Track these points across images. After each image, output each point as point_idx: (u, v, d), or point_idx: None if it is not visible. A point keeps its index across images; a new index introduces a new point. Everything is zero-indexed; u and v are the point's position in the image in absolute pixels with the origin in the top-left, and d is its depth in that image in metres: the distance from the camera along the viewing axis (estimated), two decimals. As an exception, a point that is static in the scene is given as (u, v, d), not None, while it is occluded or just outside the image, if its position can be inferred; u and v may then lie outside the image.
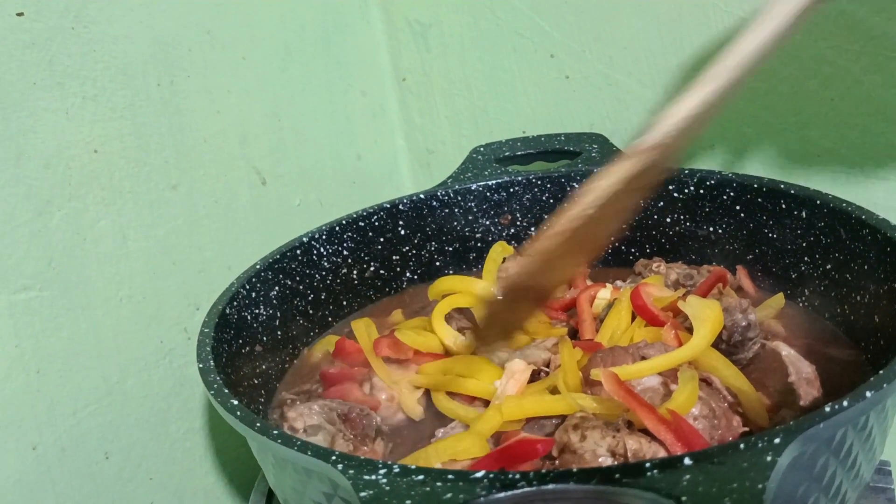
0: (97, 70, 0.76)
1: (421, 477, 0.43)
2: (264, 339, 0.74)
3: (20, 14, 0.69)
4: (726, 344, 0.63)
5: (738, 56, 0.55)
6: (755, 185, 0.79)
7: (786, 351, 0.57)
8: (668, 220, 0.86)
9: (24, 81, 0.70)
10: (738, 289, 0.78)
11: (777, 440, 0.42)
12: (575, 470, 0.42)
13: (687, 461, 0.41)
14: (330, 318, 0.84)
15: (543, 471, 0.42)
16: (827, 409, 0.44)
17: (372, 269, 0.88)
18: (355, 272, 0.86)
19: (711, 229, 0.83)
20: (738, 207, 0.81)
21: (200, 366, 0.60)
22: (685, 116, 0.54)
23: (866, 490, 0.59)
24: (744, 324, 0.62)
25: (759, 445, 0.41)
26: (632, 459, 0.50)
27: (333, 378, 0.67)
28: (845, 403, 0.44)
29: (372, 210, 0.88)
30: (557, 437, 0.54)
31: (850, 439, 0.48)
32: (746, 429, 0.57)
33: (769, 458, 0.40)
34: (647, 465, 0.41)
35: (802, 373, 0.58)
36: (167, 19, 0.82)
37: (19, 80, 0.69)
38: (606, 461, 0.51)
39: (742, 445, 0.41)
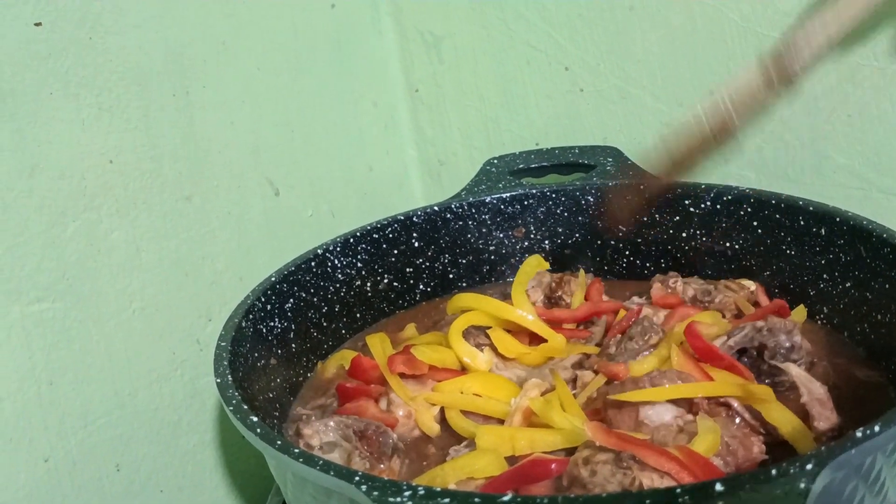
0: (112, 80, 0.76)
1: (447, 500, 0.42)
2: (279, 352, 0.73)
3: (38, 24, 0.69)
4: (768, 364, 0.62)
5: None
6: (773, 201, 0.78)
7: (795, 371, 0.56)
8: (685, 234, 0.86)
9: (40, 91, 0.69)
10: (755, 304, 0.78)
11: (809, 466, 0.41)
12: (605, 495, 0.41)
13: (719, 487, 0.40)
14: (344, 331, 0.84)
15: (573, 496, 0.41)
16: (858, 434, 0.43)
17: (386, 281, 0.87)
18: (369, 284, 0.86)
19: (728, 245, 0.83)
20: (755, 223, 0.80)
21: (218, 381, 0.59)
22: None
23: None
24: (787, 345, 0.61)
25: (792, 472, 0.41)
26: None
27: (350, 393, 0.67)
28: (877, 429, 0.44)
29: (386, 222, 0.87)
30: (566, 471, 0.53)
31: (878, 464, 0.47)
32: (766, 457, 0.56)
33: (803, 486, 0.40)
34: (678, 490, 0.40)
35: (815, 394, 0.58)
36: (182, 30, 0.82)
37: (35, 90, 0.69)
38: None
39: (774, 472, 0.41)
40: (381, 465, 0.61)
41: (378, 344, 0.73)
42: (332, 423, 0.61)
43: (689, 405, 0.59)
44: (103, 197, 0.75)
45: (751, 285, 0.79)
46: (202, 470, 0.86)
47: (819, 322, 0.75)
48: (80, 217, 0.73)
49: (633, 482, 0.51)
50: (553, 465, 0.55)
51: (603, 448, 0.54)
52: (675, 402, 0.59)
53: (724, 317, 0.73)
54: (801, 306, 0.75)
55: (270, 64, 0.93)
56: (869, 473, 0.47)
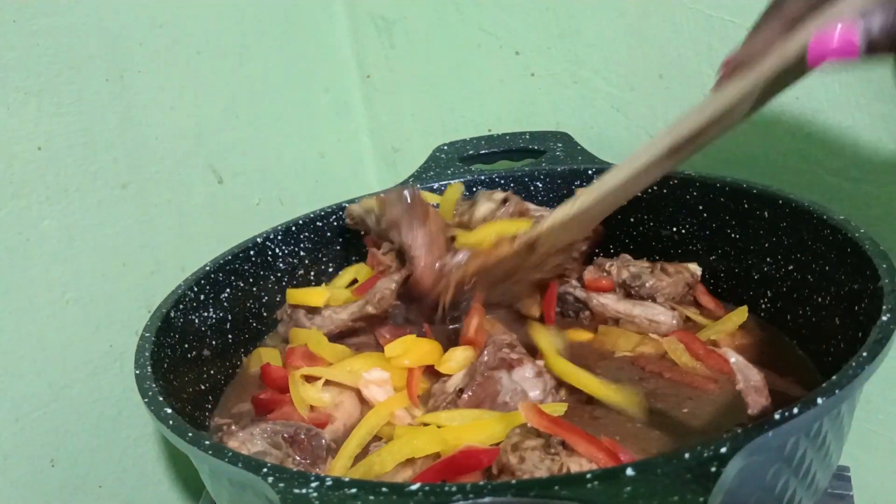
0: (42, 64, 0.73)
1: (354, 490, 0.41)
2: (213, 342, 0.72)
3: (-45, 5, 0.66)
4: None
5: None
6: (718, 185, 0.77)
7: (734, 358, 0.55)
8: (632, 219, 0.85)
9: (-39, 75, 0.67)
10: (697, 303, 0.77)
11: (723, 450, 0.40)
12: (514, 482, 0.40)
13: (629, 472, 0.39)
14: (285, 321, 0.82)
15: (481, 483, 0.40)
16: (776, 416, 0.43)
17: (331, 270, 0.86)
18: (312, 273, 0.84)
19: (675, 229, 0.82)
20: (700, 207, 0.79)
21: (137, 372, 0.58)
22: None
23: (824, 497, 0.58)
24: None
25: (705, 455, 0.40)
26: None
27: (267, 405, 0.65)
28: (795, 411, 0.43)
29: (330, 209, 0.85)
30: (496, 459, 0.52)
31: (802, 447, 0.46)
32: None
33: (713, 469, 0.39)
34: (588, 475, 0.39)
35: (751, 380, 0.57)
36: (117, 12, 0.79)
37: (-44, 73, 0.67)
38: None
39: (687, 455, 0.40)
40: (318, 469, 0.59)
41: (278, 355, 0.73)
42: (257, 431, 0.58)
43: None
44: (33, 184, 0.73)
45: (696, 270, 0.78)
46: (143, 463, 0.84)
47: (763, 306, 0.75)
48: (7, 205, 0.71)
49: (560, 468, 0.50)
50: (483, 456, 0.53)
51: (531, 434, 0.53)
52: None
53: (655, 301, 0.75)
54: (744, 308, 0.73)
55: (213, 47, 0.90)
56: (792, 456, 0.46)
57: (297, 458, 0.57)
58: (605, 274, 0.77)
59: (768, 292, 0.74)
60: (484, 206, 0.80)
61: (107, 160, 0.79)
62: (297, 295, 0.76)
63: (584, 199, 0.65)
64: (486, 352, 0.63)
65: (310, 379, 0.65)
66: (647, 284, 0.75)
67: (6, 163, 0.71)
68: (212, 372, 0.71)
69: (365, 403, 0.66)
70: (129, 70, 0.81)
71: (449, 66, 1.05)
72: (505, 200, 0.79)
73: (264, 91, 0.98)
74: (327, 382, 0.65)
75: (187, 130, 0.88)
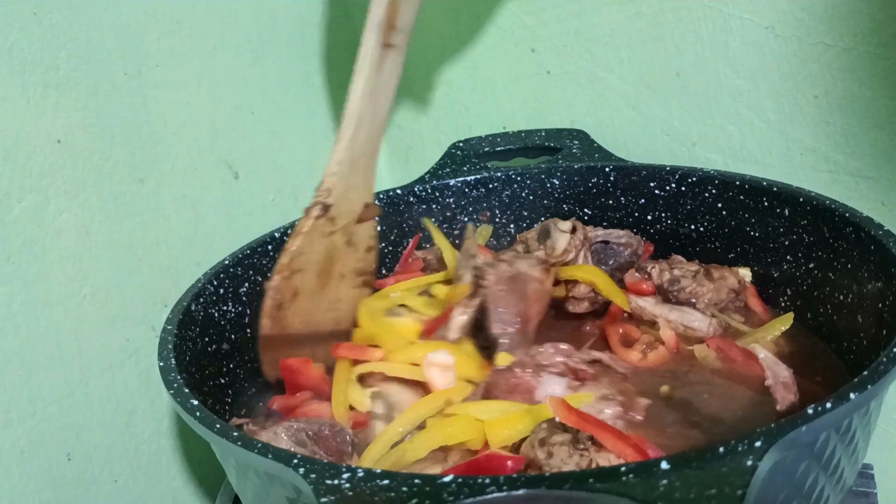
0: (60, 58, 0.73)
1: (386, 482, 0.41)
2: (232, 336, 0.71)
3: (-24, -2, 0.66)
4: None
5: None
6: (737, 183, 0.77)
7: (762, 354, 0.55)
8: (650, 217, 0.85)
9: (-19, 68, 0.67)
10: (746, 308, 0.76)
11: (758, 444, 0.40)
12: (548, 475, 0.40)
13: (664, 465, 0.39)
14: (302, 317, 0.82)
15: (515, 475, 0.40)
16: (809, 411, 0.42)
17: (346, 266, 0.85)
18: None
19: (693, 227, 0.82)
20: (720, 205, 0.79)
21: (161, 364, 0.57)
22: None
23: (848, 495, 0.58)
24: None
25: (740, 449, 0.40)
26: None
27: (287, 410, 0.64)
28: (828, 405, 0.43)
29: (347, 205, 0.85)
30: (523, 451, 0.52)
31: (832, 443, 0.46)
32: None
33: (749, 463, 0.39)
34: (623, 469, 0.39)
35: (780, 377, 0.57)
36: (135, 7, 0.79)
37: (-24, 66, 0.67)
38: None
39: (722, 449, 0.40)
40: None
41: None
42: (281, 430, 0.58)
43: (573, 373, 0.62)
44: (51, 178, 0.73)
45: (745, 275, 0.76)
46: (158, 459, 0.84)
47: (782, 304, 0.74)
48: (25, 198, 0.71)
49: (589, 464, 0.50)
50: (509, 462, 0.53)
51: (559, 429, 0.53)
52: (560, 372, 0.62)
53: (695, 306, 0.73)
54: (790, 314, 0.72)
55: (229, 43, 0.90)
56: (822, 452, 0.46)
57: (322, 453, 0.56)
58: (646, 276, 0.76)
59: (788, 290, 0.74)
60: (562, 239, 0.76)
61: (124, 155, 0.79)
62: (384, 326, 0.71)
63: (343, 133, 0.67)
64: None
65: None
66: (686, 290, 0.73)
67: (26, 156, 0.70)
68: (231, 366, 0.70)
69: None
70: (147, 65, 0.81)
71: (462, 64, 1.05)
72: (574, 230, 0.77)
73: (278, 87, 0.98)
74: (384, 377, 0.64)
75: (203, 126, 0.87)
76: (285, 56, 0.98)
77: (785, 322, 0.71)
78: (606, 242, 0.80)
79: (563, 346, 0.64)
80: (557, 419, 0.52)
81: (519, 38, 0.99)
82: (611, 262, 0.80)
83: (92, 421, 0.77)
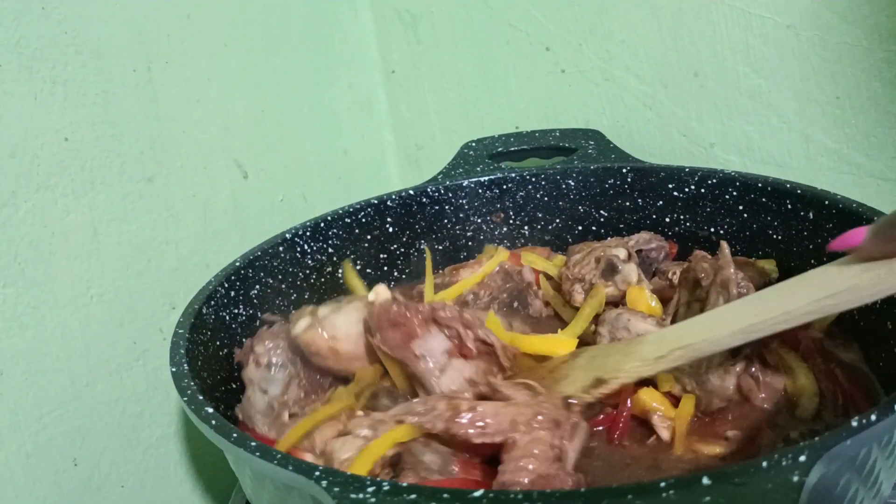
0: (68, 53, 0.71)
1: (413, 496, 0.39)
2: (243, 340, 0.70)
3: (-17, -9, 0.64)
4: None
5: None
6: (759, 185, 0.76)
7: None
8: (668, 220, 0.83)
9: (-12, 63, 0.65)
10: None
11: (802, 458, 0.38)
12: (583, 490, 0.38)
13: (705, 481, 0.37)
14: (313, 319, 0.80)
15: (548, 490, 0.38)
16: (854, 423, 0.41)
17: (358, 267, 0.84)
18: (340, 271, 0.82)
19: (713, 230, 0.80)
20: (741, 207, 0.78)
21: (174, 370, 0.56)
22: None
23: (882, 506, 0.56)
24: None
25: (784, 464, 0.38)
26: None
27: None
28: (873, 418, 0.41)
29: (359, 206, 0.84)
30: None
31: (873, 456, 0.45)
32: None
33: (796, 479, 0.37)
34: (663, 484, 0.37)
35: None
36: (144, 2, 0.78)
37: (-17, 61, 0.65)
38: None
39: (765, 464, 0.38)
40: (313, 396, 0.62)
41: None
42: (282, 345, 0.63)
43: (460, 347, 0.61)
44: (58, 176, 0.71)
45: (770, 271, 0.73)
46: (166, 464, 0.82)
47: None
48: (32, 197, 0.69)
49: None
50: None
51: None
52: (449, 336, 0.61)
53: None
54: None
55: (239, 40, 0.89)
56: (863, 466, 0.44)
57: (304, 381, 0.63)
58: (666, 281, 0.74)
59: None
60: (632, 270, 0.71)
61: (133, 153, 0.77)
62: (535, 344, 0.64)
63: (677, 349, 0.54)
64: None
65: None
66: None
67: (32, 154, 0.69)
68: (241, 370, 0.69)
69: None
70: (156, 61, 0.79)
71: (475, 62, 1.03)
72: (629, 255, 0.73)
73: (288, 85, 0.96)
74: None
75: (213, 124, 0.86)
76: (295, 54, 0.97)
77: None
78: (639, 251, 0.78)
79: (472, 320, 0.61)
80: None
81: (533, 37, 0.97)
82: (652, 270, 0.78)
83: (99, 425, 0.75)
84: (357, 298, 0.66)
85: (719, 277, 0.59)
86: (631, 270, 0.71)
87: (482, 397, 0.57)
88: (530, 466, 0.49)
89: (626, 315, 0.64)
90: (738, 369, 0.57)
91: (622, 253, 0.72)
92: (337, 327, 0.63)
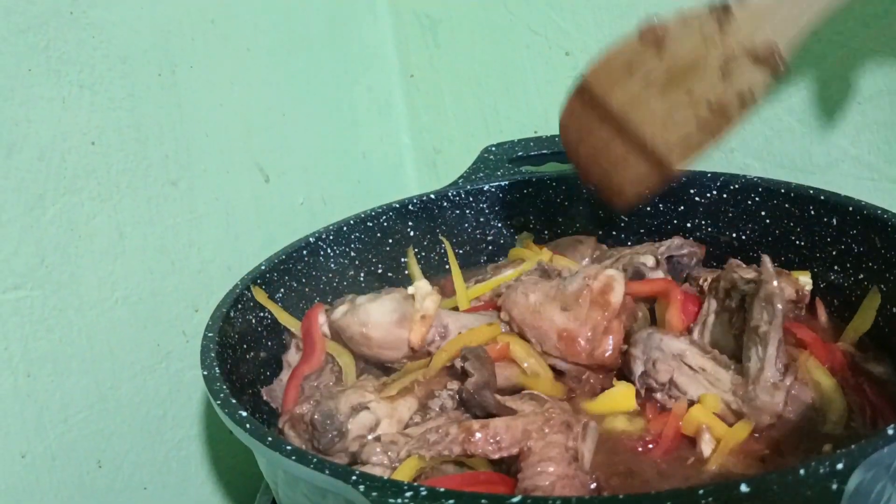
0: (95, 58, 0.72)
1: (451, 501, 0.39)
2: (269, 343, 0.70)
3: (15, -5, 0.65)
4: None
5: None
6: (782, 190, 0.76)
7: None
8: (689, 224, 0.83)
9: (18, 68, 0.66)
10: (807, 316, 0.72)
11: (840, 466, 0.38)
12: (622, 497, 0.38)
13: (744, 488, 0.37)
14: (336, 323, 0.80)
15: (587, 497, 0.38)
16: (890, 431, 0.41)
17: (380, 271, 0.84)
18: (363, 274, 0.83)
19: (735, 235, 0.80)
20: (763, 213, 0.78)
21: (205, 373, 0.56)
22: None
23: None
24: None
25: (822, 472, 0.38)
26: None
27: None
28: (909, 426, 0.41)
29: (381, 210, 0.84)
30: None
31: (907, 463, 0.45)
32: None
33: (835, 487, 0.37)
34: (701, 492, 0.38)
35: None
36: (169, 6, 0.78)
37: (12, 66, 0.65)
38: None
39: (803, 472, 0.38)
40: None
41: None
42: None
43: None
44: (85, 180, 0.71)
45: (804, 283, 0.72)
46: (188, 466, 0.82)
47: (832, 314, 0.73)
48: (59, 200, 0.69)
49: None
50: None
51: None
52: None
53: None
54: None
55: (261, 45, 0.89)
56: (896, 473, 0.44)
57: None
58: (697, 288, 0.73)
59: (835, 301, 0.72)
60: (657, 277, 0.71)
61: (158, 156, 0.78)
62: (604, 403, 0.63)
63: None
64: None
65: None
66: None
67: (60, 157, 0.69)
68: (268, 374, 0.69)
69: None
70: (181, 65, 0.80)
71: (494, 67, 1.03)
72: (657, 261, 0.74)
73: (309, 90, 0.97)
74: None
75: (236, 127, 0.86)
76: (316, 58, 0.97)
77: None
78: (670, 258, 0.76)
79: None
80: None
81: (553, 41, 0.97)
82: (683, 276, 0.77)
83: (122, 427, 0.76)
84: (396, 290, 0.68)
85: (763, 292, 0.58)
86: (658, 277, 0.71)
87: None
88: (550, 469, 0.50)
89: (657, 335, 0.63)
90: (787, 383, 0.56)
91: (650, 260, 0.72)
92: (370, 315, 0.65)
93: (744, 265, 0.68)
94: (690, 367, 0.60)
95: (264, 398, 0.66)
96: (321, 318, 0.69)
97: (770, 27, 0.60)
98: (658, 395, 0.61)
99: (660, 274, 0.72)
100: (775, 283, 0.58)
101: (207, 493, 0.85)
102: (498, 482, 0.51)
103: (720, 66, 0.61)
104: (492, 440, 0.53)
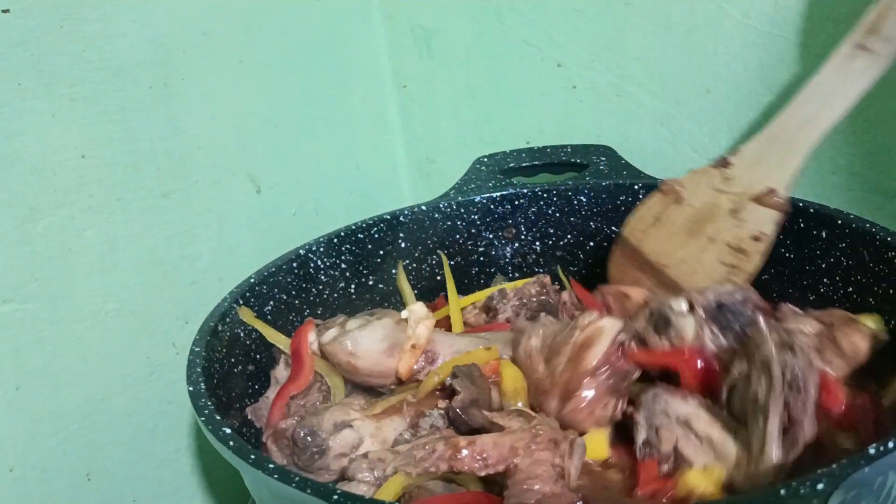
0: (87, 71, 0.72)
1: (432, 521, 0.39)
2: (258, 357, 0.70)
3: (6, 11, 0.65)
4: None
5: None
6: (772, 203, 0.76)
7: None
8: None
9: (9, 81, 0.66)
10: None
11: (821, 486, 0.38)
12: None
13: (723, 509, 0.37)
14: (327, 335, 0.80)
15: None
16: (871, 451, 0.41)
17: (371, 282, 0.84)
18: (353, 286, 0.83)
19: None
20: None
21: (191, 389, 0.56)
22: None
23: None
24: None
25: (802, 492, 0.38)
26: None
27: None
28: (890, 445, 0.41)
29: (372, 221, 0.84)
30: None
31: (890, 482, 0.44)
32: None
33: (814, 508, 0.37)
34: (681, 512, 0.37)
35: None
36: (161, 19, 0.78)
37: (4, 79, 0.66)
38: None
39: (783, 492, 0.38)
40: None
41: None
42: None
43: None
44: (76, 193, 0.72)
45: (879, 330, 0.62)
46: (179, 478, 0.82)
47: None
48: (51, 213, 0.70)
49: None
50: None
51: None
52: None
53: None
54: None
55: (255, 57, 0.89)
56: (880, 492, 0.44)
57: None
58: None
59: (825, 315, 0.72)
60: (688, 324, 0.62)
61: (149, 169, 0.78)
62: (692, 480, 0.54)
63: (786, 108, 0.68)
64: None
65: None
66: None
67: (52, 171, 0.70)
68: (257, 387, 0.69)
69: None
70: (173, 77, 0.80)
71: (488, 78, 1.04)
72: (691, 306, 0.63)
73: (302, 101, 0.97)
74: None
75: (228, 140, 0.86)
76: (309, 69, 0.97)
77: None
78: (721, 305, 0.62)
79: None
80: None
81: (546, 52, 0.98)
82: (735, 328, 0.61)
83: (113, 439, 0.76)
84: (388, 315, 0.67)
85: (759, 356, 0.52)
86: (688, 324, 0.61)
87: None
88: (536, 487, 0.50)
89: (664, 396, 0.57)
90: (791, 460, 0.49)
91: (681, 305, 0.63)
92: (359, 343, 0.64)
93: (799, 312, 0.61)
94: (697, 434, 0.54)
95: (249, 417, 0.66)
96: (311, 337, 0.68)
97: (765, 173, 0.71)
98: (664, 468, 0.55)
99: (690, 324, 0.61)
100: (772, 347, 0.52)
101: (198, 504, 0.85)
102: (485, 503, 0.51)
103: (731, 211, 0.72)
104: (478, 457, 0.53)
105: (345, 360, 0.64)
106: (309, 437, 0.56)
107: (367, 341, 0.64)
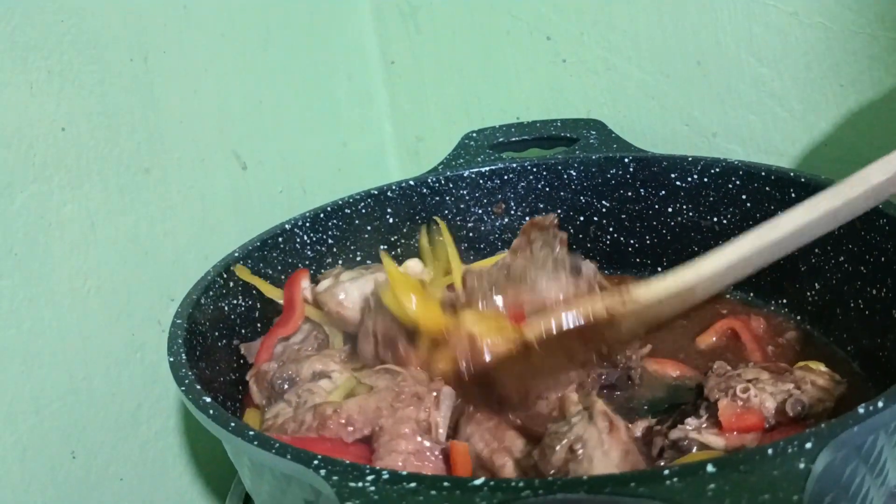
0: (64, 43, 0.71)
1: (413, 484, 0.38)
2: (243, 331, 0.69)
3: (-23, -21, 0.64)
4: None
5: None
6: (763, 173, 0.75)
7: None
8: (670, 209, 0.82)
9: (-18, 54, 0.64)
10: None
11: (808, 445, 0.38)
12: (586, 478, 0.37)
13: (710, 468, 0.37)
14: (313, 311, 0.79)
15: (551, 479, 0.38)
16: (860, 410, 0.40)
17: (358, 258, 0.83)
18: (340, 262, 0.82)
19: (716, 220, 0.79)
20: (744, 197, 0.77)
21: (171, 359, 0.55)
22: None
23: (889, 499, 0.55)
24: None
25: (790, 451, 0.37)
26: None
27: None
28: (880, 405, 0.40)
29: (359, 196, 0.83)
30: None
31: (880, 444, 0.44)
32: None
33: (802, 466, 0.36)
34: (667, 472, 0.37)
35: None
36: (140, -9, 0.77)
37: (-23, 52, 0.64)
38: None
39: (770, 451, 0.37)
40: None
41: None
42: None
43: None
44: (54, 168, 0.70)
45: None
46: (164, 457, 0.81)
47: (809, 299, 0.72)
48: (28, 189, 0.68)
49: None
50: None
51: None
52: None
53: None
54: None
55: (237, 30, 0.88)
56: (870, 454, 0.44)
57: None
58: (740, 404, 0.53)
59: (816, 284, 0.71)
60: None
61: (129, 144, 0.76)
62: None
63: (698, 270, 0.56)
64: None
65: None
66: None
67: (28, 144, 0.68)
68: (241, 362, 0.68)
69: None
70: (153, 51, 0.78)
71: (476, 53, 1.02)
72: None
73: (287, 77, 0.96)
74: None
75: (210, 115, 0.85)
76: (294, 44, 0.96)
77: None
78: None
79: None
80: None
81: (534, 26, 0.96)
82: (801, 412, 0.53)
83: (97, 418, 0.75)
84: (381, 269, 0.68)
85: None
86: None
87: None
88: (400, 447, 0.50)
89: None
90: None
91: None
92: (348, 294, 0.66)
93: (815, 370, 0.57)
94: None
95: (241, 352, 0.67)
96: (304, 283, 0.70)
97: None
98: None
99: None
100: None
101: (185, 484, 0.84)
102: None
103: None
104: (346, 423, 0.52)
105: (334, 309, 0.66)
106: (286, 385, 0.56)
107: (356, 293, 0.65)
